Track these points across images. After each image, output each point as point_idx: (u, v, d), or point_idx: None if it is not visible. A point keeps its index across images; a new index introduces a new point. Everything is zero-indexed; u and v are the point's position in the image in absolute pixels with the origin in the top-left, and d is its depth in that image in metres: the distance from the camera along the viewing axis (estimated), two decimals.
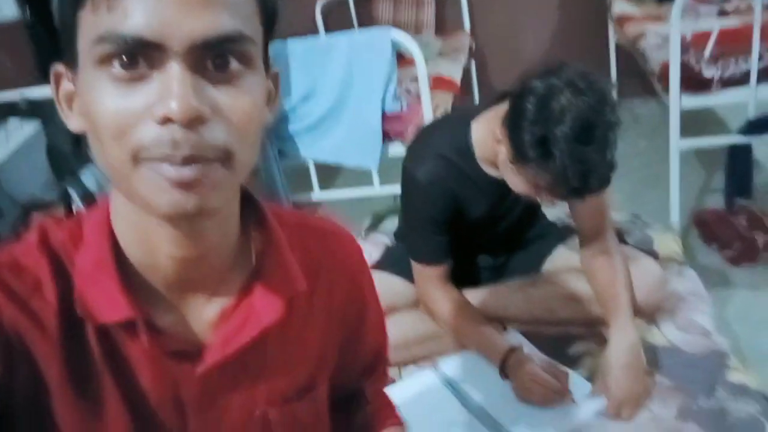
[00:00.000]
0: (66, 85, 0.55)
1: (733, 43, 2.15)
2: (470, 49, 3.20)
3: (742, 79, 2.09)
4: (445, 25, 3.38)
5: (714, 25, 2.29)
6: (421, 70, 2.06)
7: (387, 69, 2.11)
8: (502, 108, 1.25)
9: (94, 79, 0.49)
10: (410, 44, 2.06)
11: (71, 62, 0.52)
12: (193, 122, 0.47)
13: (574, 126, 1.10)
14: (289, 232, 0.66)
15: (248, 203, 0.64)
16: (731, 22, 2.39)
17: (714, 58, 2.12)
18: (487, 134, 1.31)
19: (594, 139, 1.12)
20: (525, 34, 3.39)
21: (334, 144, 2.19)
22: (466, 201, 1.40)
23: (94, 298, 0.55)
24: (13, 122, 2.27)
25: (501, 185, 1.31)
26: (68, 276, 0.57)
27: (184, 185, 0.49)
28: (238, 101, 0.50)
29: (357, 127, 2.15)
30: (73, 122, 0.55)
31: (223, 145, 0.49)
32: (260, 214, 0.64)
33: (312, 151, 2.23)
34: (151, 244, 0.56)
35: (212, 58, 0.49)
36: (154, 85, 0.48)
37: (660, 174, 2.45)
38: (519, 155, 1.18)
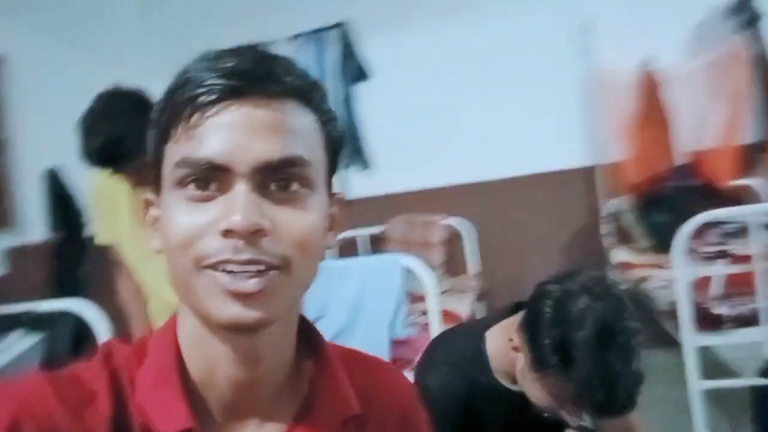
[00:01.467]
0: (152, 211, 0.60)
1: (738, 285, 2.20)
2: (478, 289, 3.28)
3: (753, 319, 2.09)
4: (455, 267, 3.52)
5: (717, 269, 2.37)
6: (431, 291, 2.04)
7: (397, 294, 2.14)
8: (518, 317, 1.22)
9: (172, 199, 0.55)
10: (421, 269, 2.11)
11: (157, 189, 0.58)
12: (254, 235, 0.51)
13: (594, 330, 1.07)
14: (339, 361, 0.67)
15: (303, 332, 0.65)
16: (733, 268, 2.47)
17: (722, 297, 2.15)
18: (503, 343, 1.26)
19: (616, 345, 1.07)
20: (530, 278, 3.49)
21: None
22: (482, 414, 1.29)
23: (153, 408, 0.56)
24: (15, 335, 2.25)
25: (520, 399, 1.22)
26: (126, 390, 0.58)
27: (244, 296, 0.52)
28: (297, 219, 0.54)
29: (366, 351, 2.09)
30: (155, 242, 0.59)
31: (282, 254, 0.53)
32: (315, 340, 0.66)
33: None
34: (211, 362, 0.58)
35: (275, 179, 0.54)
36: (221, 203, 0.53)
37: (682, 423, 2.30)
38: (538, 361, 1.12)
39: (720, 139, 3.21)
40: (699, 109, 3.23)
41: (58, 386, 0.56)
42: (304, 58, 3.64)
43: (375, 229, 3.62)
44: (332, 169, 0.61)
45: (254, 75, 0.54)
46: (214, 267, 0.52)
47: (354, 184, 3.68)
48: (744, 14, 3.26)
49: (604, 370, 1.05)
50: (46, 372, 0.58)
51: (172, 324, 0.62)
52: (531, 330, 1.14)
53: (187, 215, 0.53)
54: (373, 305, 2.13)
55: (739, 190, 3.14)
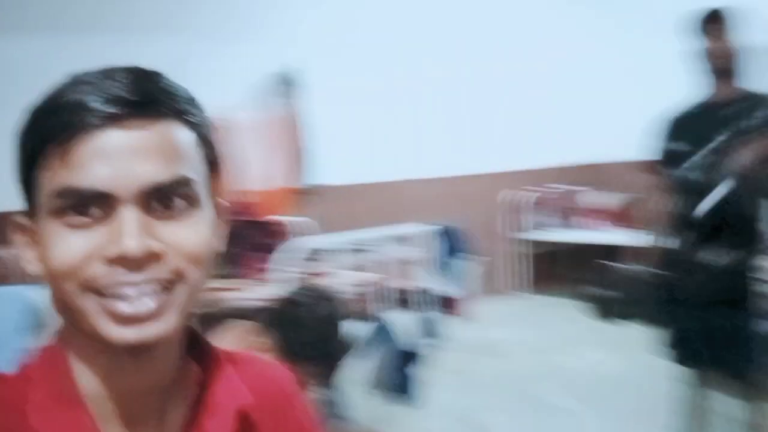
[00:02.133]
0: (23, 236, 0.58)
1: None
2: None
3: None
4: None
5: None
6: None
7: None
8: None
9: (50, 227, 0.53)
10: None
11: (32, 214, 0.56)
12: (147, 259, 0.52)
13: None
14: (225, 359, 0.69)
15: (187, 334, 0.66)
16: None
17: None
18: None
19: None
20: None
21: None
22: None
23: (55, 430, 0.55)
24: None
25: None
26: (18, 417, 0.55)
27: (139, 319, 0.53)
28: (185, 235, 0.55)
29: None
30: (32, 267, 0.58)
31: (175, 269, 0.54)
32: (200, 342, 0.66)
33: None
34: (107, 377, 0.57)
35: (158, 199, 0.54)
36: (104, 228, 0.52)
37: None
38: None
39: (274, 183, 3.91)
40: (261, 156, 3.86)
41: None
42: None
43: None
44: (215, 179, 0.62)
45: (135, 100, 0.53)
46: (100, 291, 0.52)
47: None
48: (285, 84, 4.10)
49: None
50: None
51: (55, 345, 0.60)
52: None
53: (68, 242, 0.52)
54: None
55: (287, 226, 3.89)
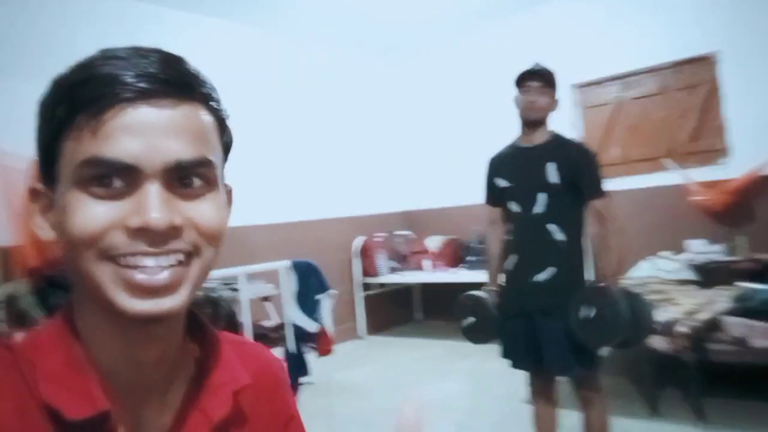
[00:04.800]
0: (42, 201, 0.59)
1: None
2: None
3: None
4: None
5: None
6: None
7: None
8: None
9: (73, 196, 0.54)
10: None
11: (49, 182, 0.57)
12: (169, 233, 0.54)
13: None
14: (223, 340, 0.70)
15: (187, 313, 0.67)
16: None
17: None
18: None
19: None
20: None
21: None
22: None
23: (64, 396, 0.55)
24: None
25: None
26: (29, 383, 0.56)
27: (156, 289, 0.54)
28: (204, 214, 0.57)
29: None
30: (44, 232, 0.59)
31: (192, 244, 0.56)
32: (199, 321, 0.68)
33: None
34: (115, 347, 0.58)
35: (179, 177, 0.56)
36: (127, 200, 0.54)
37: None
38: None
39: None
40: None
41: None
42: None
43: None
44: (224, 164, 0.66)
45: (166, 78, 0.55)
46: (118, 261, 0.53)
47: None
48: None
49: None
50: None
51: (68, 312, 0.60)
52: None
53: (91, 210, 0.53)
54: None
55: None
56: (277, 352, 2.91)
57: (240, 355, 0.70)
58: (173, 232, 0.54)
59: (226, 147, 0.63)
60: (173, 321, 0.60)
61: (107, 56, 0.55)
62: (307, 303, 3.08)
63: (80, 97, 0.54)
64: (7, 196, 3.20)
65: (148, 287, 0.53)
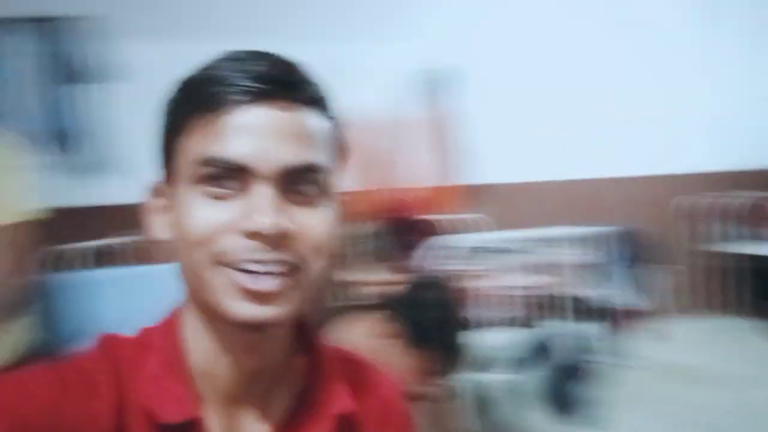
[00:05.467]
0: (160, 200, 0.61)
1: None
2: None
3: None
4: None
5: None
6: None
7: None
8: None
9: (188, 194, 0.55)
10: None
11: (169, 180, 0.59)
12: (279, 238, 0.53)
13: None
14: (332, 358, 0.69)
15: (298, 326, 0.66)
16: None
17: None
18: None
19: None
20: None
21: None
22: None
23: (158, 398, 0.56)
24: None
25: None
26: (129, 381, 0.58)
27: (262, 295, 0.54)
28: (315, 222, 0.57)
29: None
30: (159, 232, 0.61)
31: (301, 255, 0.55)
32: (309, 335, 0.67)
33: None
34: (216, 354, 0.59)
35: (292, 182, 0.56)
36: (240, 203, 0.54)
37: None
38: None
39: (434, 180, 3.81)
40: (418, 154, 3.78)
41: (62, 377, 0.55)
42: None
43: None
44: (339, 172, 0.64)
45: (283, 80, 0.56)
46: (231, 265, 0.54)
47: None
48: (436, 83, 3.96)
49: None
50: (48, 363, 0.57)
51: (175, 316, 0.62)
52: None
53: (205, 212, 0.54)
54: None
55: (454, 222, 3.76)
56: (585, 328, 2.70)
57: (350, 375, 0.68)
58: (283, 238, 0.54)
59: (339, 156, 0.62)
60: (276, 331, 0.59)
61: (226, 59, 0.57)
62: (629, 275, 2.77)
63: (198, 97, 0.55)
64: (361, 147, 3.65)
65: (255, 292, 0.53)
